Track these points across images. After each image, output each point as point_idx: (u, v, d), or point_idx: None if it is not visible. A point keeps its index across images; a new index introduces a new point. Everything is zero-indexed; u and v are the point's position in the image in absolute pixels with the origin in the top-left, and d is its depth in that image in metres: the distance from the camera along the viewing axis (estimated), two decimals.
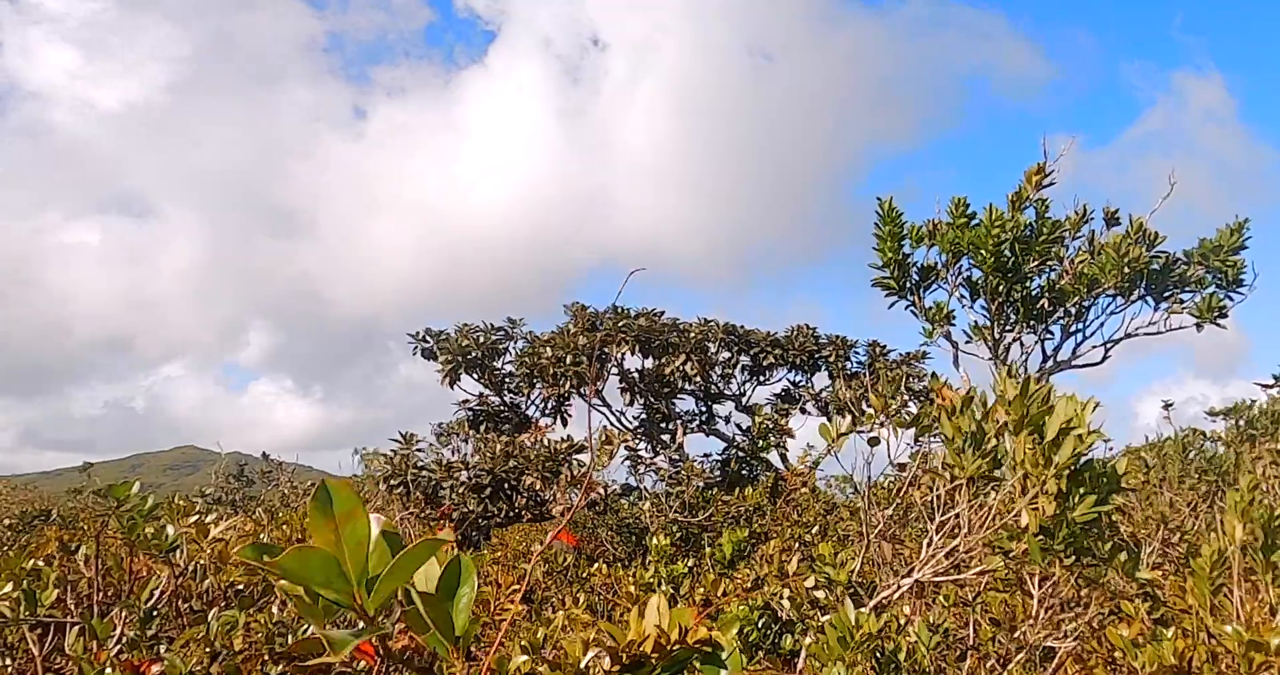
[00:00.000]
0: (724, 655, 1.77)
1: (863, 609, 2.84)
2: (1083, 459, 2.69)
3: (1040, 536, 2.72)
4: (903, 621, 3.28)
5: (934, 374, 8.48)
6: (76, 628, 3.13)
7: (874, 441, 3.49)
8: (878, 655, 2.86)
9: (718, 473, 11.00)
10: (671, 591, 4.03)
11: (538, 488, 8.12)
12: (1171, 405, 9.27)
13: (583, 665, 1.70)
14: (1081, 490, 2.70)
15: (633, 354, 10.81)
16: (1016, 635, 3.48)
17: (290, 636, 2.99)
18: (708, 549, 5.02)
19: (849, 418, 3.45)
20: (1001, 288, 7.75)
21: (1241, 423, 8.38)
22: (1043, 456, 2.65)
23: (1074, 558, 2.80)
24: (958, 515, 3.07)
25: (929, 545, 3.13)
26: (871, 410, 3.40)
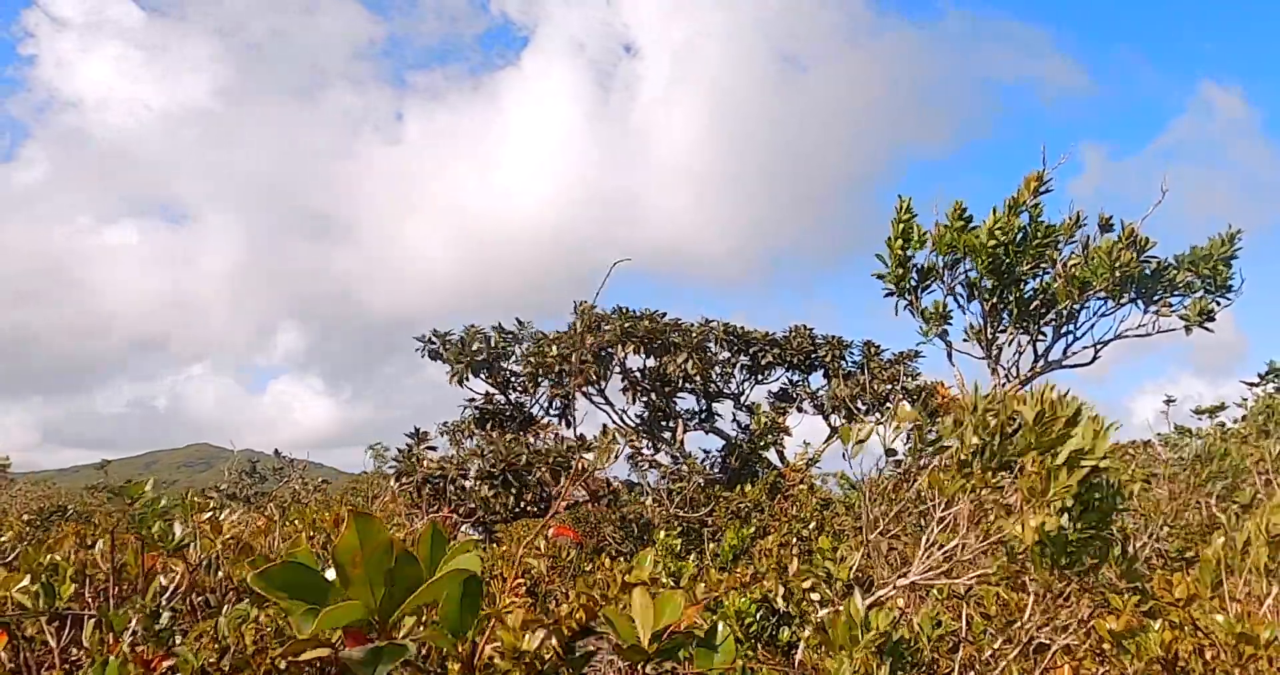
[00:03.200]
0: (718, 642, 1.84)
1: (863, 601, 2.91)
2: (1091, 481, 2.71)
3: (1040, 545, 2.77)
4: (897, 615, 3.36)
5: (959, 384, 8.56)
6: (93, 620, 3.21)
7: (892, 452, 3.54)
8: (881, 648, 2.93)
9: (718, 469, 11.12)
10: (673, 585, 4.12)
11: (546, 481, 8.23)
12: (1173, 401, 9.34)
13: (523, 647, 1.73)
14: (1081, 509, 2.74)
15: (635, 354, 10.93)
16: (1011, 630, 3.56)
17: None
18: (709, 545, 5.11)
19: (870, 422, 3.49)
20: (997, 289, 7.88)
21: (1221, 422, 8.50)
22: (1051, 477, 2.68)
23: (1071, 567, 2.86)
24: (952, 516, 3.14)
25: (927, 544, 3.20)
26: (897, 422, 3.44)
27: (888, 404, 10.59)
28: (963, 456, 2.90)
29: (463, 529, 8.50)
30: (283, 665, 2.94)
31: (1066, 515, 2.70)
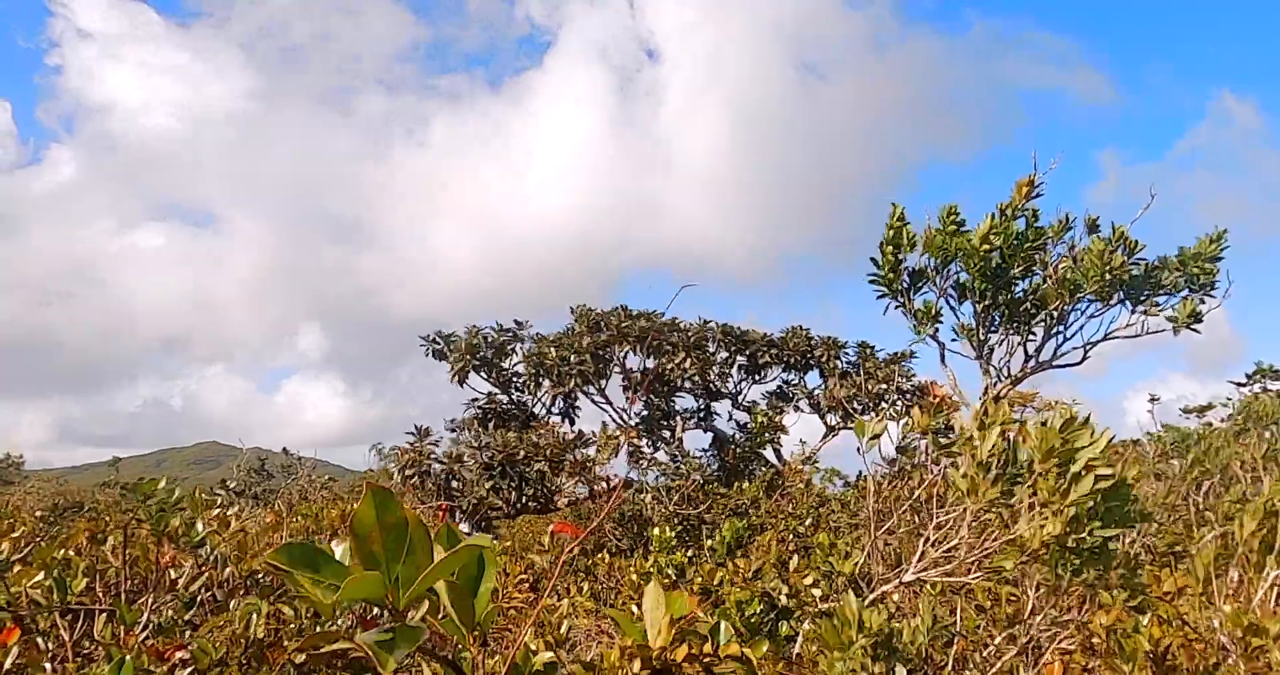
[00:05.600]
0: (723, 640, 1.90)
1: (858, 600, 2.97)
2: (1102, 492, 2.75)
3: (1056, 549, 2.82)
4: (893, 611, 3.42)
5: (951, 384, 8.66)
6: (105, 614, 3.26)
7: (904, 450, 3.61)
8: (876, 642, 2.99)
9: (716, 467, 11.20)
10: (674, 579, 4.19)
11: (546, 474, 8.30)
12: (1157, 399, 9.46)
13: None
14: (1098, 524, 2.79)
15: (635, 354, 11.00)
16: (1014, 629, 3.61)
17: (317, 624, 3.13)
18: (706, 540, 5.19)
19: (881, 418, 3.56)
20: (988, 291, 7.97)
21: (1209, 421, 8.61)
22: (1061, 490, 2.73)
23: (1080, 574, 2.90)
24: (953, 519, 3.20)
25: (925, 543, 3.27)
26: (913, 426, 3.51)
27: (883, 403, 10.69)
28: (970, 472, 2.95)
29: (463, 527, 8.58)
30: (299, 659, 3.00)
31: (1077, 525, 2.75)
